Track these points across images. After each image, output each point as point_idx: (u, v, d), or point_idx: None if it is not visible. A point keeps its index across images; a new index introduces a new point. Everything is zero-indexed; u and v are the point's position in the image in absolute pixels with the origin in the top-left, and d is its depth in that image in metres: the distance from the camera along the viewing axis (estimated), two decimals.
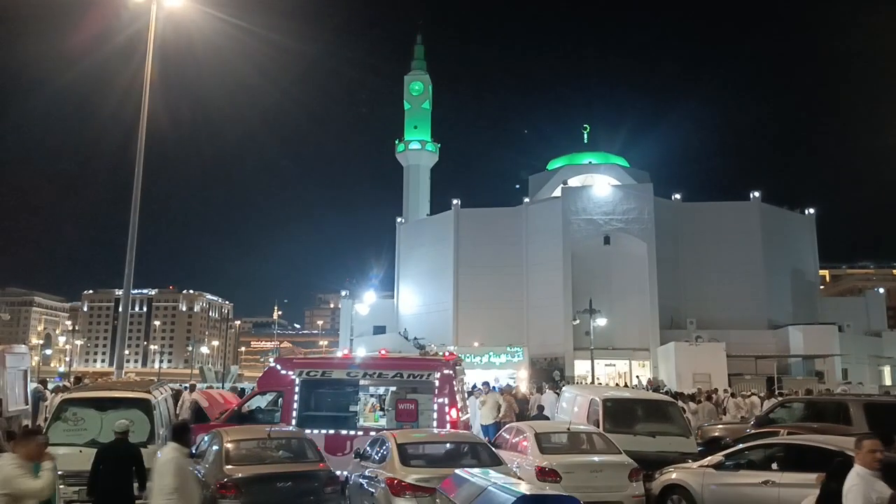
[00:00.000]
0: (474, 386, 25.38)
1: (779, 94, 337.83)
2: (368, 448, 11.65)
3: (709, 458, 12.31)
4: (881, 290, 72.61)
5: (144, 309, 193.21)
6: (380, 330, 64.51)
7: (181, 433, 7.53)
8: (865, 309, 64.68)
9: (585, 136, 72.56)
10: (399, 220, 71.78)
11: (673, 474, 12.15)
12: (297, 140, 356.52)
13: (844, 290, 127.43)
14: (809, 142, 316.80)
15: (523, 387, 34.27)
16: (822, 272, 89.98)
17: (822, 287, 78.19)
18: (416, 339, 56.24)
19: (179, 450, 7.25)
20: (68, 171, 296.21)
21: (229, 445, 10.54)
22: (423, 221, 71.30)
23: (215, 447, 10.79)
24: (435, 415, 14.16)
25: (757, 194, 59.97)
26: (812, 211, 64.03)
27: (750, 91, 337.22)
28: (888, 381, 57.60)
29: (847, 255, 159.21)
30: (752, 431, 16.15)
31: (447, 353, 18.81)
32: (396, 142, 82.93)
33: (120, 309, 24.06)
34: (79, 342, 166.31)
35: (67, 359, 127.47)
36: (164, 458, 7.12)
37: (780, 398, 23.91)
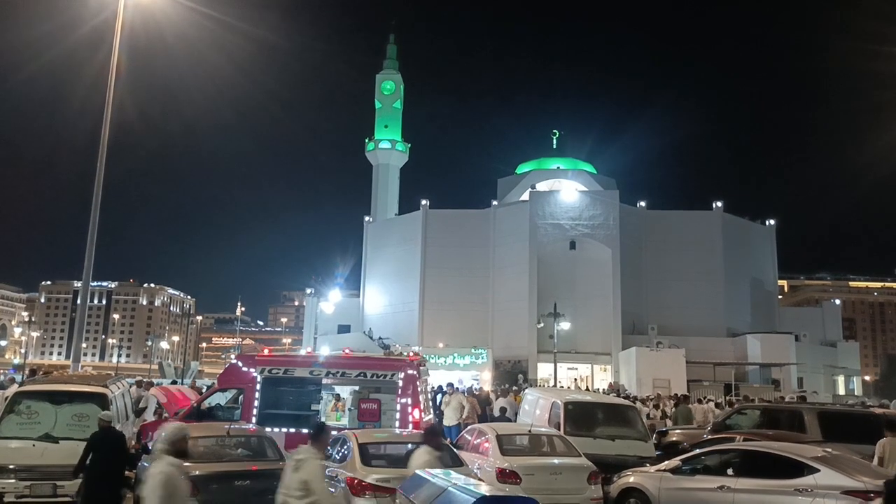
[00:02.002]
0: (440, 388, 24.24)
1: (742, 108, 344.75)
2: (329, 447, 11.58)
3: (666, 462, 12.47)
4: (837, 302, 74.53)
5: (104, 302, 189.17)
6: (344, 329, 64.15)
7: (318, 435, 7.57)
8: (822, 319, 66.17)
9: (554, 141, 73.27)
10: (367, 219, 71.46)
11: (631, 478, 12.31)
12: (266, 134, 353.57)
13: (802, 300, 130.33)
14: (772, 155, 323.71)
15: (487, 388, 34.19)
16: (780, 282, 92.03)
17: (780, 297, 79.87)
18: (380, 338, 56.04)
19: (314, 453, 7.36)
20: (30, 160, 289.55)
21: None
22: (391, 221, 71.13)
23: None
24: (398, 415, 14.15)
25: (719, 204, 61.02)
26: (772, 222, 65.41)
27: (715, 104, 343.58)
28: (842, 391, 59.02)
29: (805, 266, 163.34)
30: (709, 437, 16.40)
31: (411, 354, 18.67)
32: (366, 140, 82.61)
33: (78, 301, 23.67)
34: (35, 334, 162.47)
35: (23, 351, 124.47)
36: (301, 457, 7.36)
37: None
